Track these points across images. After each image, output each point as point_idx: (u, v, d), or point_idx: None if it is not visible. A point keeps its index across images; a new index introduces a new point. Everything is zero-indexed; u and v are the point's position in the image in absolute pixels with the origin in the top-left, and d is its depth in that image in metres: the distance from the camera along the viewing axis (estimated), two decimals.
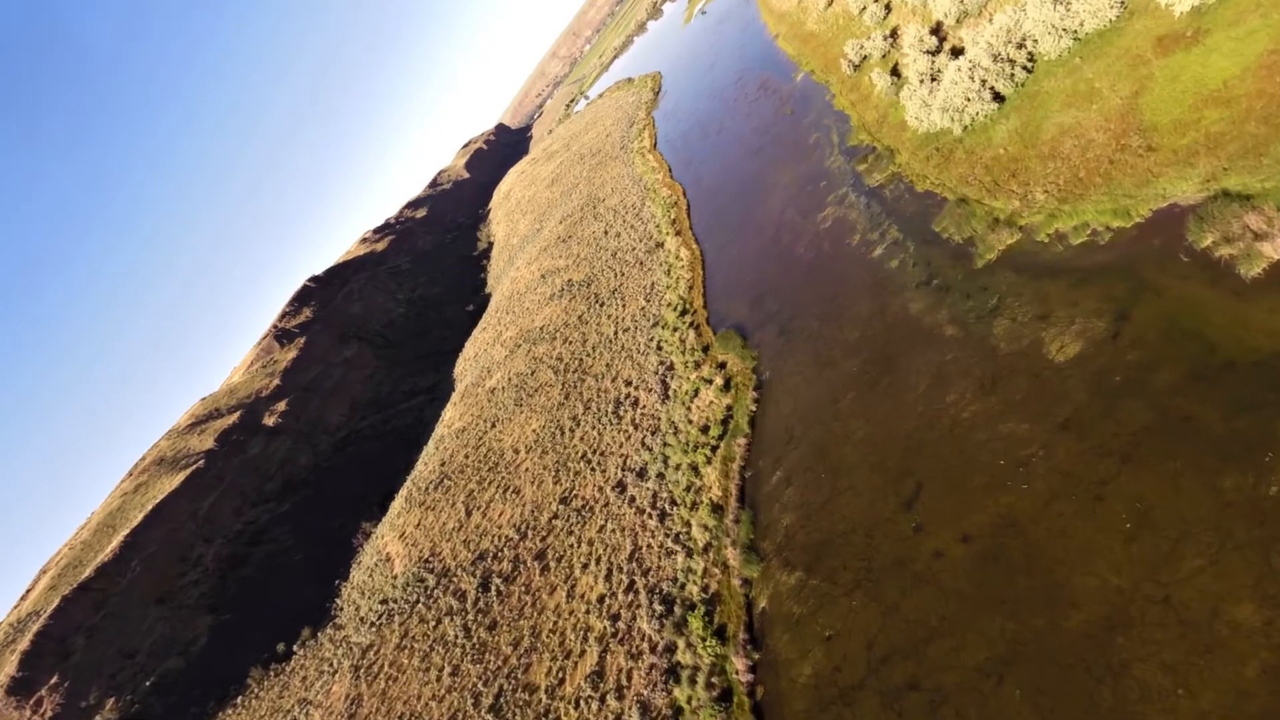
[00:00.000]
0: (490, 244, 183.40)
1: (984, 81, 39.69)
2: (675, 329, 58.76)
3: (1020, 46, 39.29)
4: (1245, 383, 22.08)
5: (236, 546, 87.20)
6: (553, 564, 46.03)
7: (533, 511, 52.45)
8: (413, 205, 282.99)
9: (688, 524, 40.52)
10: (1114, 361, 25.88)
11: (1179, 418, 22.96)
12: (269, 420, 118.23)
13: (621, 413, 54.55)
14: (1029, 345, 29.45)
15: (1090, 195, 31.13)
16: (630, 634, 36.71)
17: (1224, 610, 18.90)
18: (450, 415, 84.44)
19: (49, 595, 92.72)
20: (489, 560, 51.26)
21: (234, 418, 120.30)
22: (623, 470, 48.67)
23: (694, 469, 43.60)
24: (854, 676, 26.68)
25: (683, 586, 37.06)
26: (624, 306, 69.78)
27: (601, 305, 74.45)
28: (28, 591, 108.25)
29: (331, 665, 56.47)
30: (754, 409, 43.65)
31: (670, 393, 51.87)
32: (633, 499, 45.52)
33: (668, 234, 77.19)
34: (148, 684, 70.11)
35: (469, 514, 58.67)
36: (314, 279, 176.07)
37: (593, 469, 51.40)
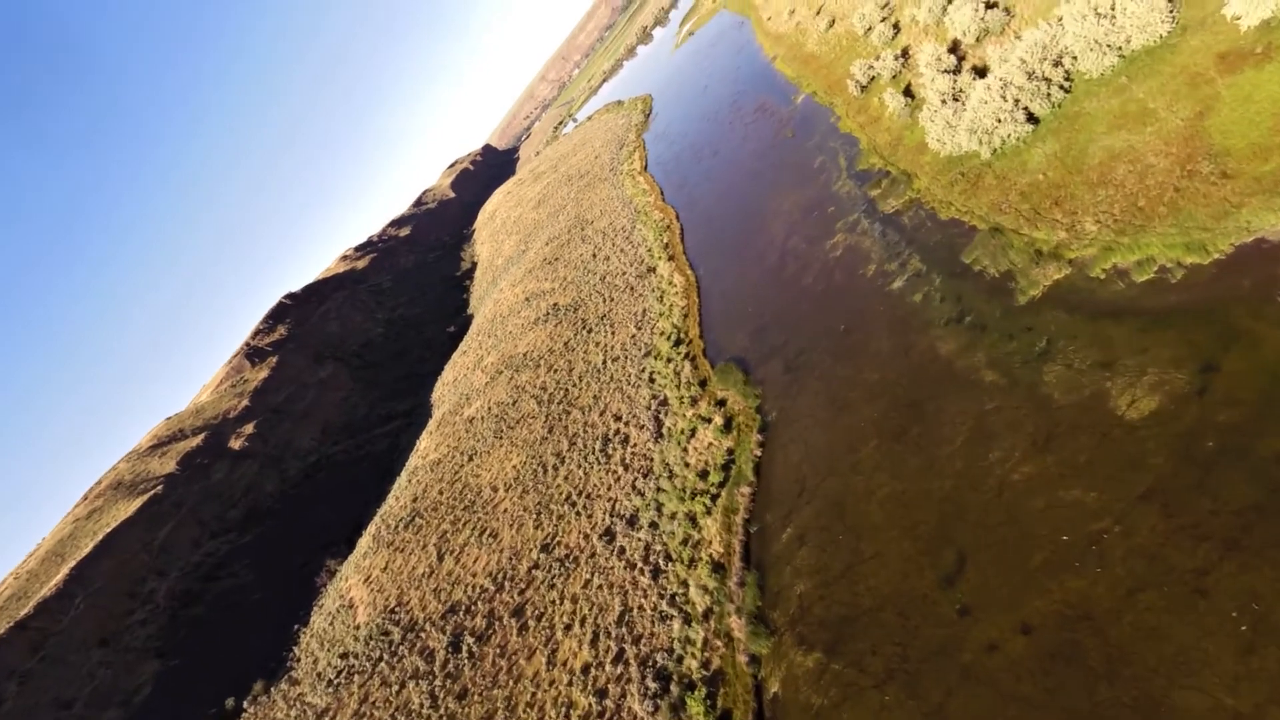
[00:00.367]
0: (474, 264, 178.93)
1: (1017, 101, 36.25)
2: (669, 360, 54.56)
3: (1057, 64, 35.94)
4: None
5: (191, 581, 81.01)
6: (532, 623, 41.17)
7: (511, 559, 47.59)
8: (396, 223, 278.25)
9: (685, 583, 35.98)
10: (1202, 423, 21.92)
11: None
12: (235, 443, 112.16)
13: (610, 451, 50.06)
14: (1091, 398, 25.48)
15: (1154, 227, 27.44)
16: (620, 715, 31.96)
17: None
18: (425, 445, 79.31)
19: None
20: (461, 614, 46.21)
21: (198, 440, 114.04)
22: (611, 516, 44.10)
23: (691, 519, 39.15)
24: None
25: (680, 660, 32.43)
26: (613, 334, 65.55)
27: (589, 332, 70.16)
28: None
29: None
30: (759, 454, 39.39)
31: (664, 430, 47.51)
32: (622, 550, 40.93)
33: (660, 258, 73.30)
34: None
35: (441, 558, 53.59)
36: (290, 296, 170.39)
37: (578, 513, 46.77)
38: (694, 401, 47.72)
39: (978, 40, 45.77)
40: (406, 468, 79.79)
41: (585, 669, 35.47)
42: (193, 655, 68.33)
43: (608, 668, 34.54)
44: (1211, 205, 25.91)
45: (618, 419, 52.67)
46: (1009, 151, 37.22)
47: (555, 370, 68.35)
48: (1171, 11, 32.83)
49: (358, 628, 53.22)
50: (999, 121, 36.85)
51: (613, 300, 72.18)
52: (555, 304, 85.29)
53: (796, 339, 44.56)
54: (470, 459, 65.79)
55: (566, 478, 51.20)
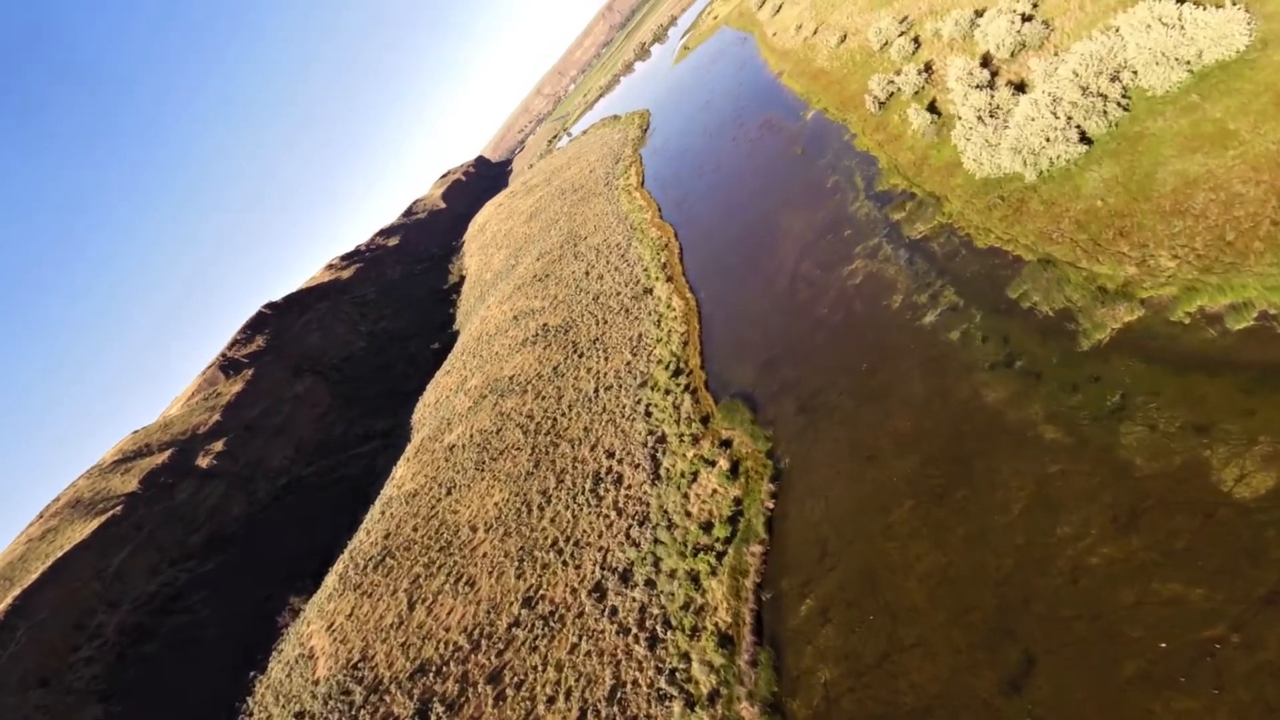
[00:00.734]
0: (462, 278, 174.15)
1: (1070, 119, 32.35)
2: (668, 391, 50.13)
3: (1115, 79, 32.13)
4: None
5: (144, 615, 75.16)
6: (510, 692, 36.29)
7: (489, 613, 42.71)
8: (385, 233, 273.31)
9: (686, 657, 31.34)
10: None
11: None
12: (203, 461, 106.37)
13: (602, 492, 45.45)
14: (1184, 468, 21.23)
15: (1249, 265, 23.40)
16: None
17: None
18: (402, 474, 74.21)
19: None
20: (431, 675, 41.21)
21: (165, 456, 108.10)
22: (602, 569, 39.43)
23: (694, 579, 34.55)
24: None
25: None
26: (606, 359, 61.09)
27: (580, 356, 65.66)
28: None
29: None
30: (771, 506, 34.90)
31: (662, 472, 43.00)
32: (614, 611, 36.24)
33: (657, 279, 69.08)
34: None
35: (412, 607, 48.53)
36: (271, 305, 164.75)
37: (564, 563, 42.04)
38: (695, 440, 43.27)
39: (1012, 55, 42.10)
40: (381, 498, 74.63)
41: None
42: (139, 700, 62.62)
43: None
44: None
45: (610, 455, 48.12)
46: (1057, 174, 33.29)
47: (543, 397, 63.73)
48: (1249, 24, 29.11)
49: (317, 683, 47.95)
50: (1048, 141, 32.94)
51: (606, 323, 67.80)
52: (545, 324, 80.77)
53: (811, 376, 40.26)
54: (449, 492, 60.86)
55: (553, 520, 46.49)
